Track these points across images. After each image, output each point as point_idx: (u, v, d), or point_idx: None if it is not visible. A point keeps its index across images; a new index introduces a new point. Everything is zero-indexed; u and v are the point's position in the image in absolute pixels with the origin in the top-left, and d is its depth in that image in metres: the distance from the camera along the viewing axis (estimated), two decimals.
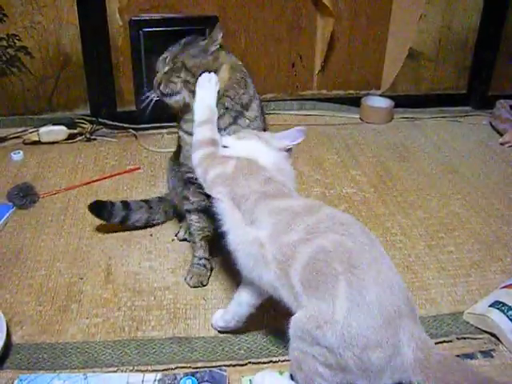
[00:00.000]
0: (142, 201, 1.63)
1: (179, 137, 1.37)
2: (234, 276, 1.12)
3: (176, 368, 1.16)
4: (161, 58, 1.32)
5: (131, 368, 1.16)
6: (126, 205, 1.58)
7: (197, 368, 1.16)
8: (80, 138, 2.14)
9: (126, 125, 2.20)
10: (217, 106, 1.26)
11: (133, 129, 2.20)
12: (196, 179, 1.20)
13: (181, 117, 1.33)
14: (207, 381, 1.10)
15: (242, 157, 1.12)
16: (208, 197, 1.16)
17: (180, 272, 1.46)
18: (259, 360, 1.18)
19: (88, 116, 2.20)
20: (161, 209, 1.63)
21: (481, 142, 2.22)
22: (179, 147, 1.41)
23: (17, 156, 2.00)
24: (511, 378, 1.16)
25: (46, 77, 2.16)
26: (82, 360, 1.18)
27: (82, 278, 1.43)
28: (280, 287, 1.01)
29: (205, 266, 1.43)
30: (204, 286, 1.41)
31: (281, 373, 1.13)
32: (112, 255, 1.52)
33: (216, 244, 1.13)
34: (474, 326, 1.29)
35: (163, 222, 1.65)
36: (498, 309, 1.26)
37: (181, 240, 1.58)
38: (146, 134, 2.19)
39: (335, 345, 0.90)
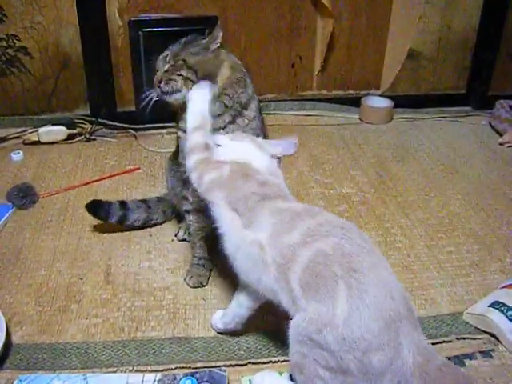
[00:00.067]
0: (140, 201, 1.63)
1: (178, 137, 1.37)
2: (234, 276, 1.12)
3: (176, 368, 1.16)
4: (161, 56, 1.32)
5: (131, 368, 1.16)
6: (123, 204, 1.58)
7: (196, 368, 1.16)
8: (80, 138, 2.14)
9: (125, 125, 2.20)
10: (215, 104, 1.26)
11: (132, 129, 2.20)
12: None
13: (179, 116, 1.33)
14: (207, 381, 1.10)
15: (236, 161, 1.12)
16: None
17: (180, 272, 1.46)
18: (259, 360, 1.18)
19: (88, 116, 2.20)
20: (160, 209, 1.63)
21: (480, 142, 2.22)
22: (178, 147, 1.41)
23: (16, 156, 2.00)
24: (510, 379, 1.16)
25: (45, 77, 2.16)
26: (81, 360, 1.18)
27: (81, 279, 1.43)
28: (279, 291, 1.01)
29: (204, 266, 1.43)
30: (203, 286, 1.41)
31: (280, 373, 1.13)
32: (112, 255, 1.52)
33: (216, 244, 1.13)
34: (474, 326, 1.29)
35: (162, 222, 1.65)
36: (497, 309, 1.26)
37: (180, 240, 1.58)
38: (146, 134, 2.19)
39: (336, 348, 0.90)
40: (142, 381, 1.10)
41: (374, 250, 0.99)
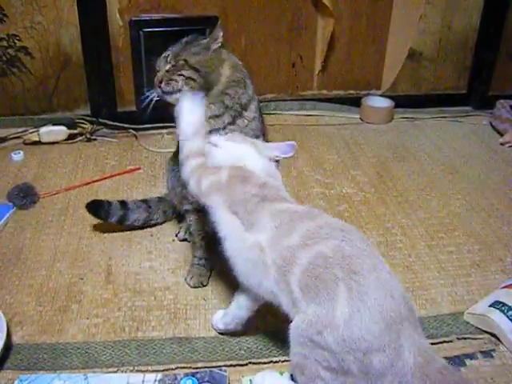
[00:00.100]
0: (140, 201, 1.63)
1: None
2: (234, 276, 1.12)
3: (176, 368, 1.16)
4: (162, 56, 1.32)
5: (131, 368, 1.16)
6: (123, 204, 1.58)
7: (197, 368, 1.16)
8: (80, 138, 2.14)
9: (126, 125, 2.20)
10: (216, 105, 1.26)
11: (133, 129, 2.20)
12: None
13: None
14: (207, 381, 1.10)
15: (234, 165, 1.11)
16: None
17: (180, 272, 1.46)
18: (259, 360, 1.18)
19: (88, 116, 2.20)
20: (160, 209, 1.63)
21: (481, 142, 2.22)
22: (178, 147, 1.40)
23: (17, 156, 2.00)
24: (511, 379, 1.16)
25: (46, 77, 2.16)
26: (82, 360, 1.18)
27: (82, 279, 1.43)
28: (279, 293, 1.01)
29: (205, 266, 1.43)
30: (204, 286, 1.41)
31: (281, 373, 1.13)
32: (112, 255, 1.52)
33: (216, 244, 1.13)
34: (475, 326, 1.29)
35: (162, 222, 1.65)
36: (498, 309, 1.26)
37: (181, 240, 1.58)
38: (147, 134, 2.19)
39: (337, 349, 0.91)
40: (143, 381, 1.10)
41: (374, 252, 0.99)
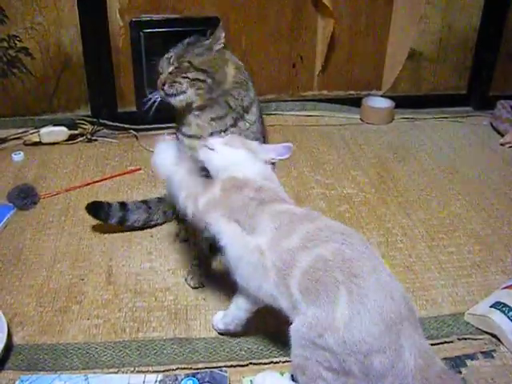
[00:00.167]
0: (140, 201, 1.63)
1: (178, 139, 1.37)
2: (234, 279, 1.12)
3: (177, 369, 1.16)
4: (164, 58, 1.32)
5: (132, 369, 1.16)
6: (123, 205, 1.58)
7: (198, 369, 1.16)
8: (81, 138, 2.14)
9: (126, 125, 2.19)
10: (221, 105, 1.26)
11: (133, 129, 2.20)
12: None
13: (180, 119, 1.33)
14: (208, 381, 1.10)
15: (225, 178, 1.11)
16: None
17: (181, 273, 1.46)
18: (260, 361, 1.18)
19: (89, 117, 2.19)
20: (160, 209, 1.63)
21: (481, 143, 2.22)
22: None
23: (17, 157, 2.00)
24: None
25: (46, 77, 2.16)
26: (82, 361, 1.18)
27: (82, 279, 1.43)
28: (279, 296, 1.01)
29: (205, 266, 1.43)
30: (204, 286, 1.41)
31: (282, 373, 1.13)
32: (113, 256, 1.52)
33: (216, 244, 1.13)
34: (475, 326, 1.29)
35: (162, 223, 1.65)
36: (498, 309, 1.26)
37: (181, 241, 1.58)
38: (147, 134, 2.19)
39: (338, 351, 0.91)
40: (144, 381, 1.11)
41: (374, 254, 0.99)
